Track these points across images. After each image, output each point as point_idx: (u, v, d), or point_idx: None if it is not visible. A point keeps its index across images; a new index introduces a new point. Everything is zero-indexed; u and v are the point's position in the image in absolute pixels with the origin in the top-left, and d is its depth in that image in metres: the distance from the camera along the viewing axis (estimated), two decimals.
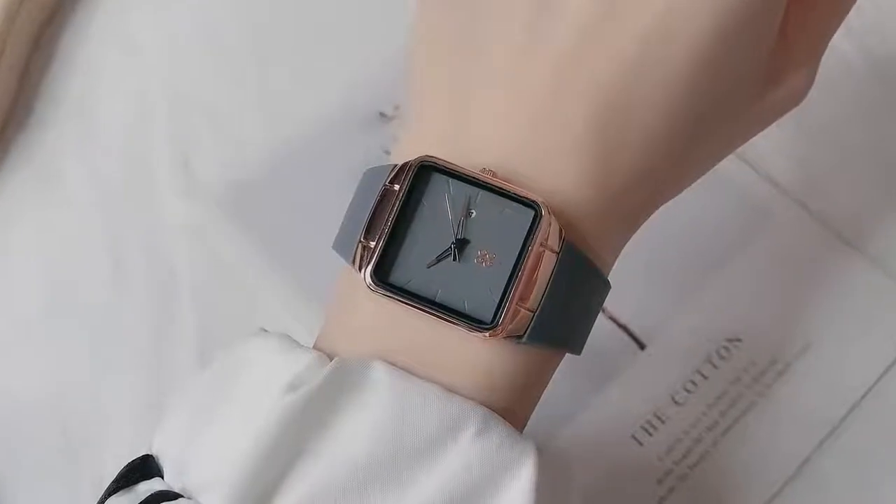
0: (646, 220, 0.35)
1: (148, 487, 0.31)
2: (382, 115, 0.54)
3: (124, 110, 0.56)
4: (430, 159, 0.31)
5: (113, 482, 0.31)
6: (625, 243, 0.34)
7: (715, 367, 0.48)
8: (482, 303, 0.30)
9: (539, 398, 0.33)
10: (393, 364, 0.30)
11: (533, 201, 0.30)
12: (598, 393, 0.47)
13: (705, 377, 0.48)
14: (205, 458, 0.30)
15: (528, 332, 0.30)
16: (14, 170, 0.55)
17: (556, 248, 0.30)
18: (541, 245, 0.30)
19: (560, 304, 0.31)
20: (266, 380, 0.30)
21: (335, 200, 0.35)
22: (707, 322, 0.49)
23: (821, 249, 0.50)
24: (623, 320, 0.49)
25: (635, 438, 0.47)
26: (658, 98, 0.31)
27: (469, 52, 0.33)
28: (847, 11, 0.36)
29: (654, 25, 0.31)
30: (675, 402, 0.47)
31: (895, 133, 0.53)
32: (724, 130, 0.34)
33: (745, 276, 0.50)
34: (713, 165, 0.36)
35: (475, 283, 0.30)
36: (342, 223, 0.34)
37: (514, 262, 0.30)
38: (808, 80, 0.36)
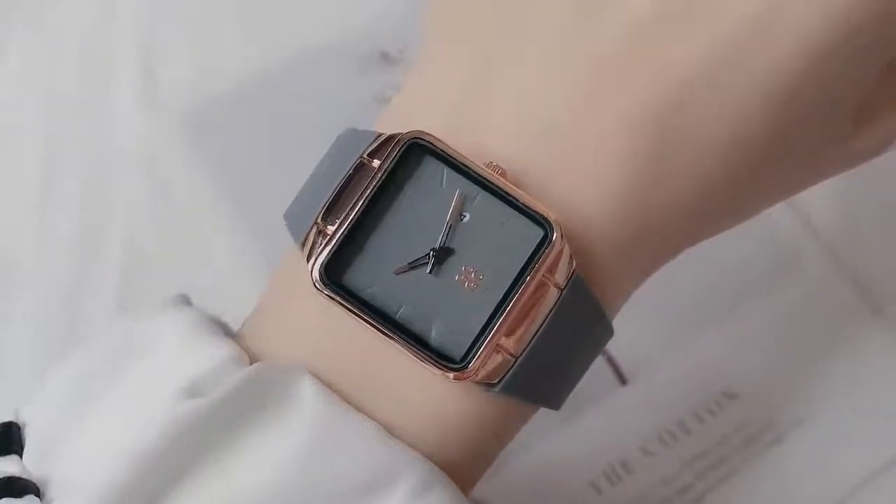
0: (671, 259, 0.32)
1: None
2: (385, 55, 0.50)
3: None
4: (425, 137, 0.27)
5: None
6: (638, 286, 0.31)
7: (701, 421, 0.45)
8: (454, 334, 0.27)
9: (495, 457, 0.30)
10: (326, 382, 0.27)
11: (545, 218, 0.27)
12: (563, 424, 0.44)
13: (687, 431, 0.45)
14: (73, 452, 0.27)
15: (503, 381, 0.27)
16: None
17: (562, 283, 0.27)
18: (545, 275, 0.27)
19: (550, 352, 0.28)
20: (164, 374, 0.27)
21: (311, 150, 0.31)
22: (704, 369, 0.46)
23: (844, 311, 0.47)
24: (609, 348, 0.46)
25: (594, 486, 0.44)
26: (725, 123, 0.28)
27: (513, 11, 0.30)
28: None
29: (737, 32, 0.28)
30: (647, 453, 0.44)
31: None
32: (794, 172, 0.32)
33: (755, 324, 0.46)
34: (760, 211, 0.33)
35: (451, 306, 0.27)
36: (300, 190, 0.30)
37: (506, 289, 0.27)
38: (883, 145, 0.34)
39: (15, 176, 0.49)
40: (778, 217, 0.48)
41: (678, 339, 0.46)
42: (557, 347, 0.28)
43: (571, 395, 0.43)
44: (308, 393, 0.27)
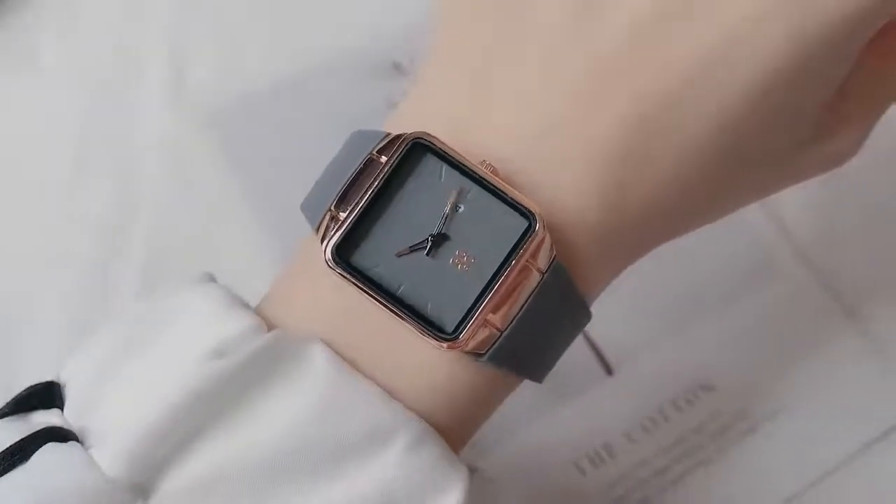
0: (647, 254, 0.33)
1: (43, 420, 0.29)
2: (397, 65, 0.53)
3: None
4: (427, 138, 0.29)
5: (8, 404, 0.30)
6: (617, 275, 0.33)
7: (679, 410, 0.46)
8: (447, 309, 0.29)
9: (484, 421, 0.32)
10: (336, 351, 0.29)
11: (530, 210, 0.29)
12: (551, 409, 0.46)
13: (666, 418, 0.46)
14: (110, 405, 0.29)
15: (489, 352, 0.29)
16: None
17: (543, 268, 0.29)
18: (528, 260, 0.29)
19: (532, 328, 0.30)
20: (192, 338, 0.29)
21: (326, 149, 0.33)
22: (684, 362, 0.47)
23: (818, 314, 0.49)
24: (596, 340, 0.47)
25: (578, 466, 0.45)
26: (703, 125, 0.30)
27: (513, 11, 0.31)
28: None
29: (736, 32, 0.29)
30: (630, 439, 0.46)
31: None
32: (759, 176, 0.33)
33: (734, 323, 0.48)
34: (734, 211, 0.35)
35: (445, 285, 0.29)
36: (316, 182, 0.32)
37: (493, 271, 0.29)
38: (854, 146, 0.35)
39: (47, 171, 0.50)
40: (756, 222, 0.49)
41: (661, 335, 0.47)
42: (539, 325, 0.30)
43: (563, 382, 0.45)
44: (319, 359, 0.29)
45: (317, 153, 0.33)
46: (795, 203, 0.50)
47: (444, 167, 0.29)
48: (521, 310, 0.29)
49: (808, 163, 0.34)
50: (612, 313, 0.44)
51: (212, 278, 0.32)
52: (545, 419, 0.46)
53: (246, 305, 0.31)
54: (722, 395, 0.46)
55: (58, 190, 0.50)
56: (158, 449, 0.28)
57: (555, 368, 0.33)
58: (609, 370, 0.47)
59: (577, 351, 0.46)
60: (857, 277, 0.49)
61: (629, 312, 0.48)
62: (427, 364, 0.29)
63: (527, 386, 0.40)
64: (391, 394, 0.29)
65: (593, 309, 0.32)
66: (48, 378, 0.31)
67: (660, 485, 0.45)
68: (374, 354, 0.29)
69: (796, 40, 0.29)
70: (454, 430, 0.30)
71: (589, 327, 0.46)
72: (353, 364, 0.29)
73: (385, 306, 0.29)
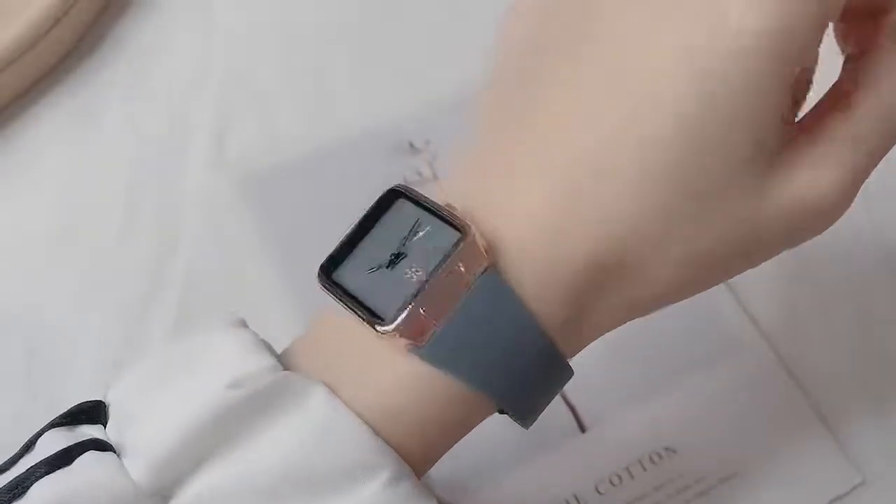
0: (607, 314, 0.34)
1: (88, 432, 0.32)
2: (412, 146, 0.56)
3: (180, 72, 0.58)
4: (399, 188, 0.33)
5: (59, 416, 0.32)
6: (593, 339, 0.35)
7: (644, 469, 0.48)
8: (393, 306, 0.32)
9: (445, 448, 0.33)
10: (330, 385, 0.32)
11: (461, 225, 0.31)
12: (530, 460, 0.49)
13: (632, 476, 0.48)
14: (143, 423, 0.31)
15: (427, 343, 0.31)
16: (62, 99, 0.57)
17: (477, 273, 0.31)
18: (461, 265, 0.31)
19: (470, 329, 0.31)
20: (218, 370, 0.31)
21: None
22: (651, 425, 0.50)
23: (775, 390, 0.51)
24: (573, 401, 0.50)
25: None
26: (634, 165, 0.31)
27: (514, 121, 0.34)
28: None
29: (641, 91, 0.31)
30: (598, 492, 0.48)
31: (883, 315, 0.53)
32: (717, 223, 0.32)
33: (698, 393, 0.50)
34: (706, 276, 0.34)
35: (398, 289, 0.32)
36: None
37: (429, 272, 0.31)
38: (834, 189, 0.32)
39: (102, 215, 0.54)
40: (724, 303, 0.52)
41: (631, 400, 0.50)
42: (474, 325, 0.31)
43: (541, 438, 0.47)
44: (317, 397, 0.31)
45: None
46: (760, 288, 0.52)
47: (410, 204, 0.33)
48: (455, 307, 0.31)
49: (774, 217, 0.32)
50: (588, 379, 0.45)
51: (243, 323, 0.34)
52: (524, 468, 0.48)
53: (269, 349, 0.33)
54: (683, 457, 0.48)
55: (110, 232, 0.53)
56: (178, 463, 0.30)
57: (535, 425, 0.35)
58: (583, 428, 0.49)
59: (555, 410, 0.47)
60: (814, 359, 0.51)
61: (605, 379, 0.50)
62: (393, 388, 0.32)
63: (509, 437, 0.43)
64: (362, 415, 0.31)
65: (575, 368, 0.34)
66: (96, 398, 0.33)
67: None
68: (355, 389, 0.32)
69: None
70: (414, 450, 0.32)
71: (567, 390, 0.46)
72: (339, 394, 0.31)
73: (345, 305, 0.32)
